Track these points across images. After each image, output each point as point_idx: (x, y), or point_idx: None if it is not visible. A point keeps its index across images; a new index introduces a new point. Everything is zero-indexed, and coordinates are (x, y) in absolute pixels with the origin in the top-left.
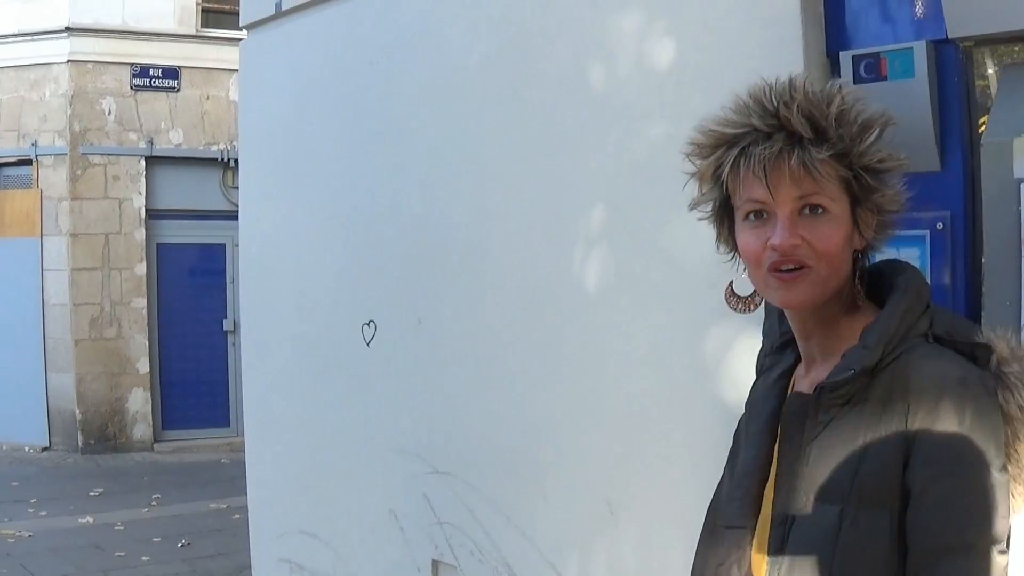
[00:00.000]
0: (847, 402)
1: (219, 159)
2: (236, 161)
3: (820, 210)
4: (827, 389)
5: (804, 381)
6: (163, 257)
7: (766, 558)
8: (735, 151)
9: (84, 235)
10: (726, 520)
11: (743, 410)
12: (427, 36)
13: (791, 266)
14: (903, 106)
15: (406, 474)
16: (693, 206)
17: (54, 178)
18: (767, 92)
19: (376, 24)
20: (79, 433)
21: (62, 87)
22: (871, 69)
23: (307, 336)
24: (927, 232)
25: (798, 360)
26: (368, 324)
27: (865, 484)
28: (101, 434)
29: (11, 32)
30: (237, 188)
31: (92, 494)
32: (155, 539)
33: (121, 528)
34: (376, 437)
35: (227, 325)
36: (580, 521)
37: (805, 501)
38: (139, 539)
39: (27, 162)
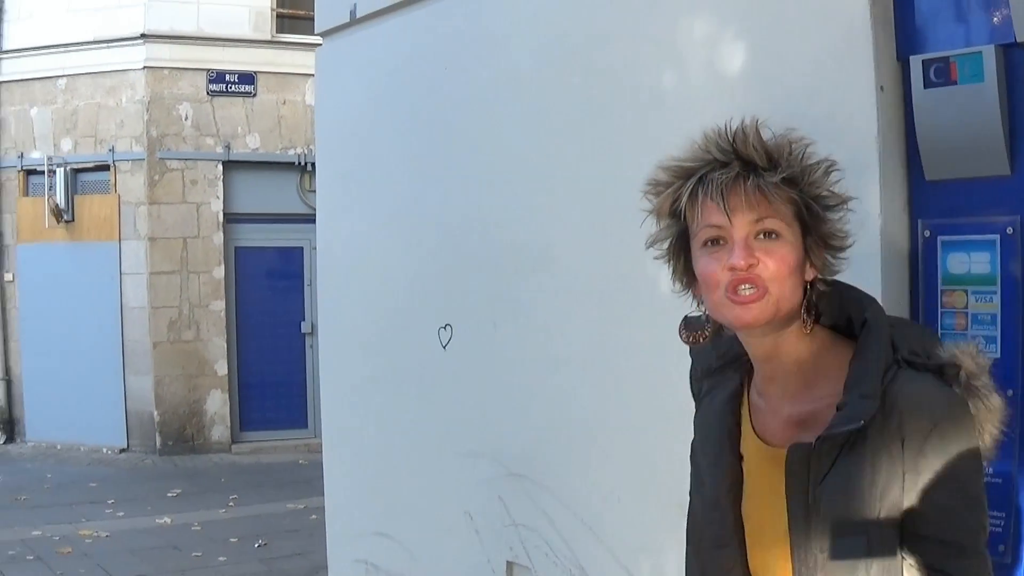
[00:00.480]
0: (845, 443)
1: (296, 163)
2: (313, 165)
3: (774, 235)
4: (831, 439)
5: (771, 413)
6: (241, 260)
7: (784, 562)
8: (693, 180)
9: (162, 239)
10: (710, 541)
11: None
12: (497, 41)
13: (749, 286)
14: (972, 110)
15: (481, 476)
16: (650, 243)
17: (132, 183)
18: (722, 132)
19: (447, 30)
20: (157, 435)
21: (139, 93)
22: (940, 73)
23: (383, 339)
24: (997, 236)
25: (742, 380)
26: (444, 328)
27: (884, 511)
28: (179, 436)
29: (88, 40)
30: (314, 192)
31: (170, 495)
32: (232, 539)
33: (198, 529)
34: (452, 439)
35: (305, 327)
36: (653, 524)
37: (827, 538)
38: (216, 539)
39: (105, 167)
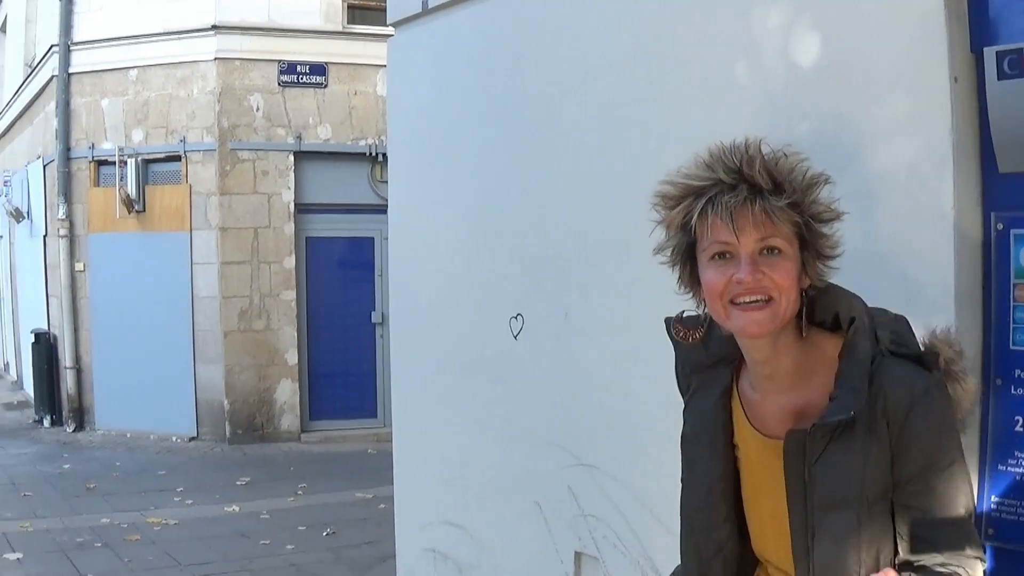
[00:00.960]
0: (836, 429)
1: (367, 153)
2: (384, 156)
3: (776, 251)
4: (827, 427)
5: (766, 404)
6: (312, 250)
7: (780, 548)
8: (703, 200)
9: (233, 229)
10: (704, 524)
11: None
12: (570, 33)
13: (757, 298)
14: None
15: (551, 466)
16: (658, 250)
17: (203, 173)
18: (727, 152)
19: (520, 21)
20: (227, 423)
21: (210, 84)
22: (1015, 65)
23: (454, 329)
24: None
25: (732, 376)
26: (516, 317)
27: (871, 487)
28: (249, 424)
29: (159, 31)
30: (385, 182)
31: (238, 483)
32: (300, 528)
33: (266, 517)
34: (522, 429)
35: (375, 317)
36: None
37: (821, 513)
38: (284, 527)
39: (176, 158)
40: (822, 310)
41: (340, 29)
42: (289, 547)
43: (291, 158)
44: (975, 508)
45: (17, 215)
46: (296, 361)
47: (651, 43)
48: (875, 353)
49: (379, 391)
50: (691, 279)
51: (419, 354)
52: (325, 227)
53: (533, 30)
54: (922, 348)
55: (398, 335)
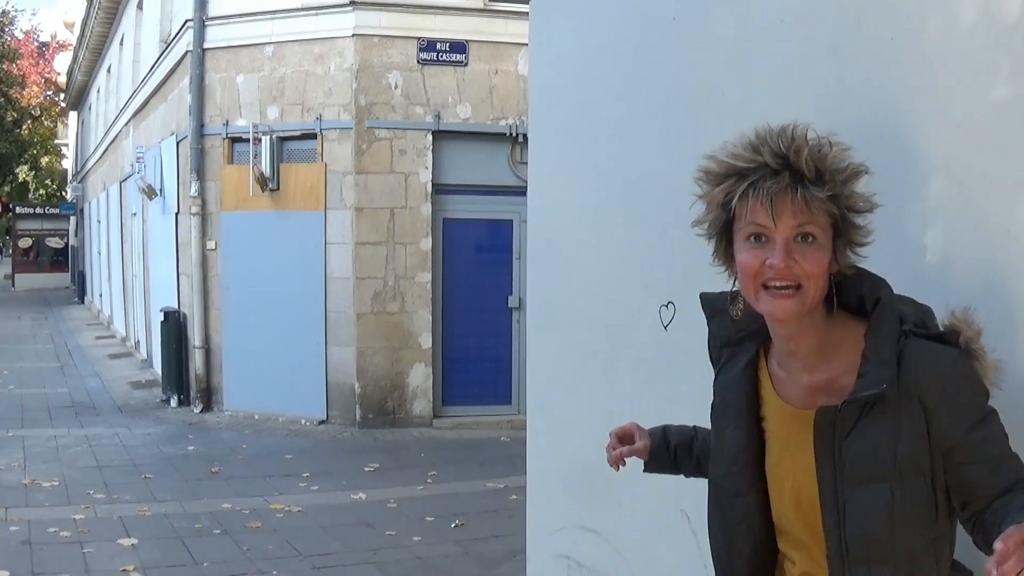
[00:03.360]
0: (865, 405)
1: (507, 134)
2: (524, 136)
3: (811, 238)
4: (856, 402)
5: (791, 380)
6: (449, 232)
7: (801, 518)
8: (745, 183)
9: (369, 209)
10: (730, 491)
11: None
12: None
13: (787, 284)
14: None
15: None
16: (696, 223)
17: (339, 152)
18: (775, 137)
19: None
20: (357, 407)
21: (347, 61)
22: None
23: (597, 317)
24: None
25: (758, 350)
26: (666, 306)
27: (905, 460)
28: (380, 409)
29: (295, 6)
30: (525, 163)
31: (367, 469)
32: (428, 518)
33: (394, 506)
34: (666, 421)
35: (512, 302)
36: None
37: (851, 487)
38: (411, 517)
39: (312, 136)
40: (847, 292)
41: (481, 6)
42: (416, 538)
43: (429, 137)
44: None
45: (150, 192)
46: (430, 345)
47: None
48: (900, 333)
49: (514, 377)
50: (725, 254)
51: (558, 342)
52: (462, 208)
53: None
54: (942, 329)
55: (535, 322)
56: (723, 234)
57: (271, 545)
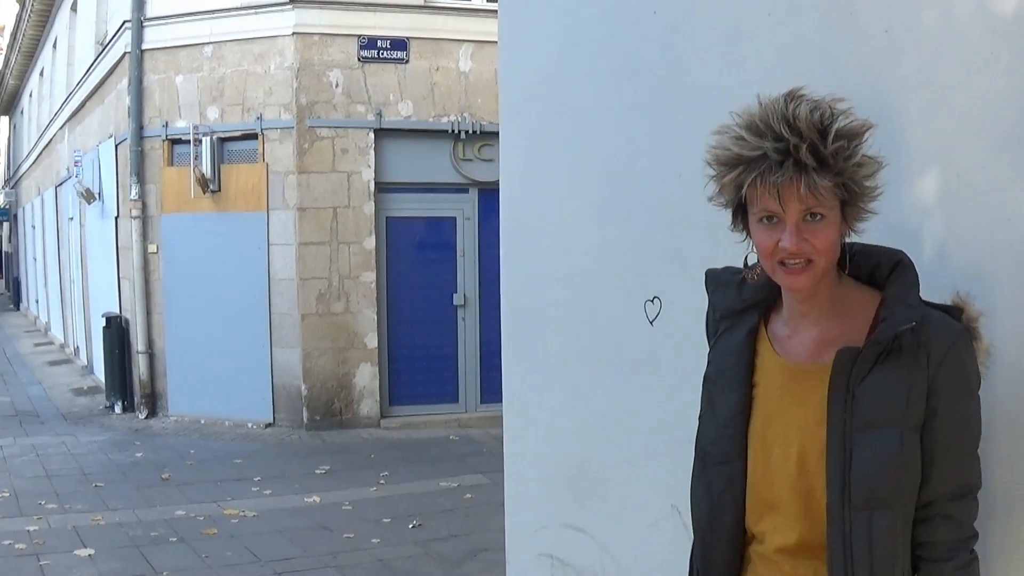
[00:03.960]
0: (884, 351)
1: (449, 131)
2: (467, 133)
3: (819, 216)
4: (881, 341)
5: (798, 338)
6: (392, 231)
7: (788, 476)
8: (753, 173)
9: (311, 209)
10: (718, 458)
11: None
12: None
13: (798, 261)
14: None
15: (690, 466)
16: (712, 199)
17: (280, 152)
18: (777, 120)
19: None
20: (304, 409)
21: (287, 60)
22: None
23: (579, 313)
24: None
25: (760, 319)
26: (652, 300)
27: (913, 410)
28: (327, 410)
29: (234, 5)
30: (469, 160)
31: (318, 472)
32: (384, 520)
33: (349, 508)
34: (658, 424)
35: (457, 300)
36: None
37: (861, 429)
38: (368, 519)
39: (253, 136)
40: (862, 264)
41: (421, 3)
42: (374, 541)
43: (371, 135)
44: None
45: (88, 196)
46: (376, 344)
47: None
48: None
49: (460, 375)
50: (743, 226)
51: (534, 340)
52: (406, 207)
53: None
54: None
55: (512, 319)
56: (739, 209)
57: (229, 552)
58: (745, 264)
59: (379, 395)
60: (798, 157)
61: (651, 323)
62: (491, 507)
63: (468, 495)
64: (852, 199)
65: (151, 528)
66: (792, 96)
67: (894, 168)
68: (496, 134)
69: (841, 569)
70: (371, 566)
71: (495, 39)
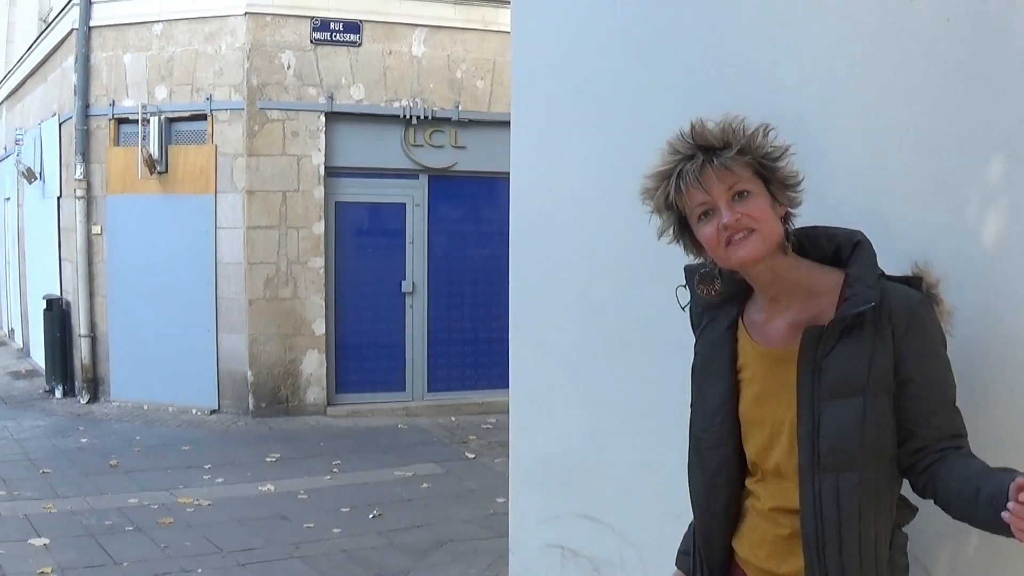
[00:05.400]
0: (848, 327)
1: (401, 116)
2: (419, 118)
3: (745, 193)
4: (843, 319)
5: (772, 323)
6: (342, 216)
7: (784, 449)
8: (674, 177)
9: (260, 192)
10: (710, 443)
11: None
12: None
13: (742, 233)
14: None
15: None
16: (660, 234)
17: (230, 133)
18: (681, 134)
19: None
20: (250, 396)
21: (239, 40)
22: None
23: (597, 299)
24: None
25: (738, 311)
26: (684, 286)
27: (876, 378)
28: (273, 397)
29: None
30: (420, 146)
31: (268, 460)
32: (343, 509)
33: (305, 497)
34: (682, 412)
35: (405, 286)
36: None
37: (828, 399)
38: (326, 509)
39: (202, 117)
40: (824, 246)
41: None
42: (336, 531)
43: (322, 119)
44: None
45: (30, 175)
46: (323, 331)
47: None
48: (878, 274)
49: (408, 363)
50: (694, 245)
51: (545, 324)
52: (356, 192)
53: None
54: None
55: (520, 305)
56: (684, 230)
57: (188, 542)
58: (701, 276)
59: (326, 382)
60: (705, 144)
61: (683, 309)
62: (449, 497)
63: (425, 484)
64: (771, 175)
65: (105, 516)
66: (695, 121)
67: (957, 157)
68: (447, 120)
69: (812, 526)
70: (336, 557)
71: (449, 24)
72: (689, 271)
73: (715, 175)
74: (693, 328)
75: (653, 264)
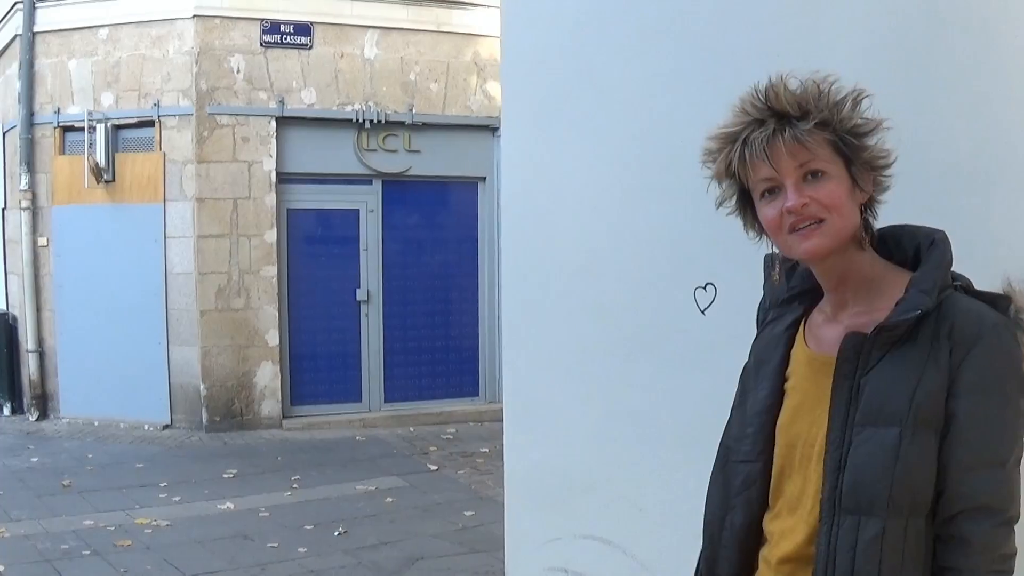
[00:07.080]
0: (897, 340)
1: (354, 120)
2: (372, 122)
3: (820, 174)
4: (888, 328)
5: (830, 327)
6: (294, 223)
7: (808, 478)
8: (738, 144)
9: (211, 200)
10: (739, 455)
11: None
12: None
13: (808, 222)
14: None
15: None
16: (719, 203)
17: (178, 140)
18: (755, 92)
19: None
20: (203, 410)
21: (187, 44)
22: None
23: (600, 304)
24: None
25: (804, 312)
26: (704, 288)
27: (920, 408)
28: (227, 411)
29: None
30: (373, 151)
31: (225, 476)
32: (307, 527)
33: (266, 515)
34: (706, 424)
35: (360, 295)
36: None
37: (861, 427)
38: (289, 527)
39: (149, 123)
40: (904, 246)
41: None
42: (301, 550)
43: (273, 124)
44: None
45: None
46: (277, 342)
47: None
48: (949, 283)
49: (364, 373)
50: (755, 223)
51: (542, 332)
52: (308, 198)
53: None
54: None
55: (514, 312)
56: (746, 204)
57: (149, 565)
58: (768, 261)
59: (281, 395)
60: (780, 110)
61: (703, 312)
62: (415, 511)
63: (388, 499)
64: (854, 156)
65: (60, 540)
66: (774, 79)
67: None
68: (400, 124)
69: (822, 574)
70: None
71: (401, 26)
72: (768, 261)
73: (785, 149)
74: (757, 325)
75: (664, 266)
